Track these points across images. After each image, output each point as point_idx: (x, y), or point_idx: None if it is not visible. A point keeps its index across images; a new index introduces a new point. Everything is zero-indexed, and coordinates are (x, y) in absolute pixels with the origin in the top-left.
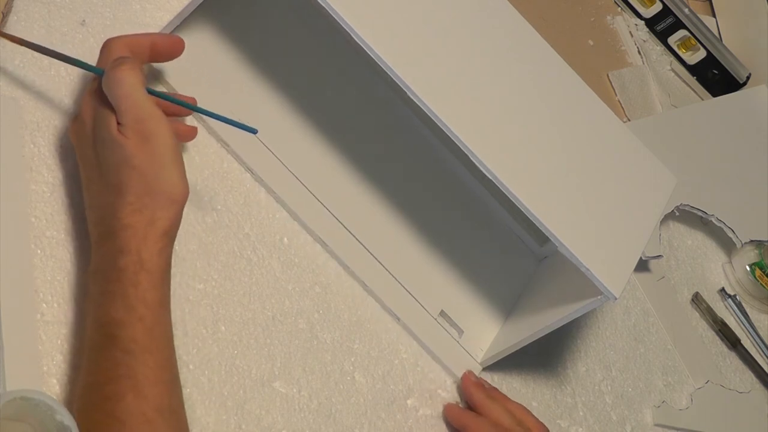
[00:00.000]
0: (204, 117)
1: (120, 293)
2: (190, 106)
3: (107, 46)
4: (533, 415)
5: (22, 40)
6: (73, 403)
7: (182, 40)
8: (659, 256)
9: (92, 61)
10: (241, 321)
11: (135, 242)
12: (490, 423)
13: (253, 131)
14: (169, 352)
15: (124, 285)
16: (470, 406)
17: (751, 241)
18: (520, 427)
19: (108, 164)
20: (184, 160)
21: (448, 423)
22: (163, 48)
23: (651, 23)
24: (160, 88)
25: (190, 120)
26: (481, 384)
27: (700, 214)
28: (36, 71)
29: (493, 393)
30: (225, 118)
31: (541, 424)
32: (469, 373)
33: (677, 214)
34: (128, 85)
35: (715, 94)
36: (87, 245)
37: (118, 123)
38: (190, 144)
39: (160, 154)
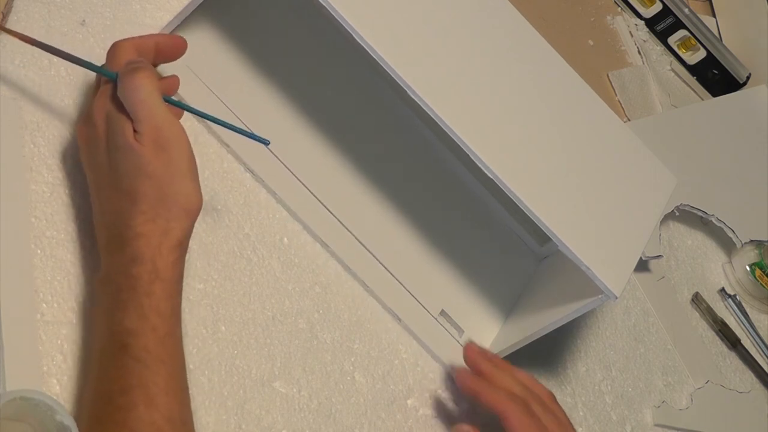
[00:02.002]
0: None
1: (133, 302)
2: (206, 115)
3: (115, 49)
4: (540, 383)
5: (34, 40)
6: (82, 411)
7: (184, 40)
8: (659, 256)
9: (95, 61)
10: (241, 321)
11: (149, 251)
12: (503, 391)
13: (266, 142)
14: (181, 363)
15: (137, 294)
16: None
17: (751, 241)
18: (531, 396)
19: (121, 171)
20: None
21: (460, 389)
22: (166, 48)
23: (651, 23)
24: None
25: (192, 118)
26: (486, 353)
27: (700, 214)
28: (36, 71)
29: (498, 363)
30: (238, 128)
31: (549, 391)
32: (471, 344)
33: (677, 214)
34: (145, 91)
35: (715, 94)
36: (87, 245)
37: (134, 130)
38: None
39: (176, 164)
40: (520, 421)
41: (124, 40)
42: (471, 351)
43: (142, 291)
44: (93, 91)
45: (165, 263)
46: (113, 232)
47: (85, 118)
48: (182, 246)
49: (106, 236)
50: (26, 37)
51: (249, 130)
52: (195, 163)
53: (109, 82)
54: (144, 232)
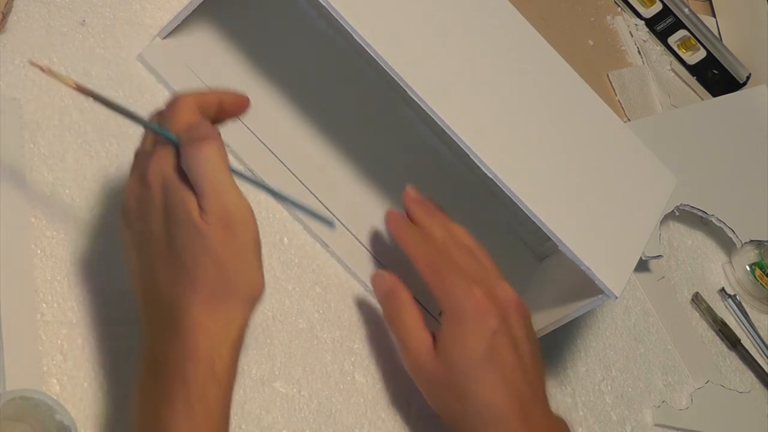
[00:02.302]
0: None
1: (183, 404)
2: (274, 191)
3: (175, 106)
4: (471, 235)
5: (92, 91)
6: None
7: (248, 98)
8: (659, 256)
9: (94, 62)
10: None
11: (207, 348)
12: (421, 235)
13: (330, 224)
14: None
15: (188, 395)
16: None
17: (751, 241)
18: (452, 239)
19: (180, 247)
20: None
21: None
22: (230, 107)
23: (651, 23)
24: None
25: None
26: (423, 201)
27: (700, 214)
28: (36, 71)
29: (433, 210)
30: (305, 207)
31: (477, 242)
32: (410, 189)
33: (677, 214)
34: (213, 165)
35: (715, 94)
36: (87, 245)
37: (199, 205)
38: None
39: (243, 246)
40: (427, 262)
41: (185, 95)
42: (408, 195)
43: (195, 393)
44: (144, 141)
45: (224, 362)
46: (165, 311)
47: (138, 178)
48: (242, 340)
49: (155, 314)
50: (85, 88)
51: (316, 211)
52: (260, 245)
53: (169, 144)
54: (203, 323)
